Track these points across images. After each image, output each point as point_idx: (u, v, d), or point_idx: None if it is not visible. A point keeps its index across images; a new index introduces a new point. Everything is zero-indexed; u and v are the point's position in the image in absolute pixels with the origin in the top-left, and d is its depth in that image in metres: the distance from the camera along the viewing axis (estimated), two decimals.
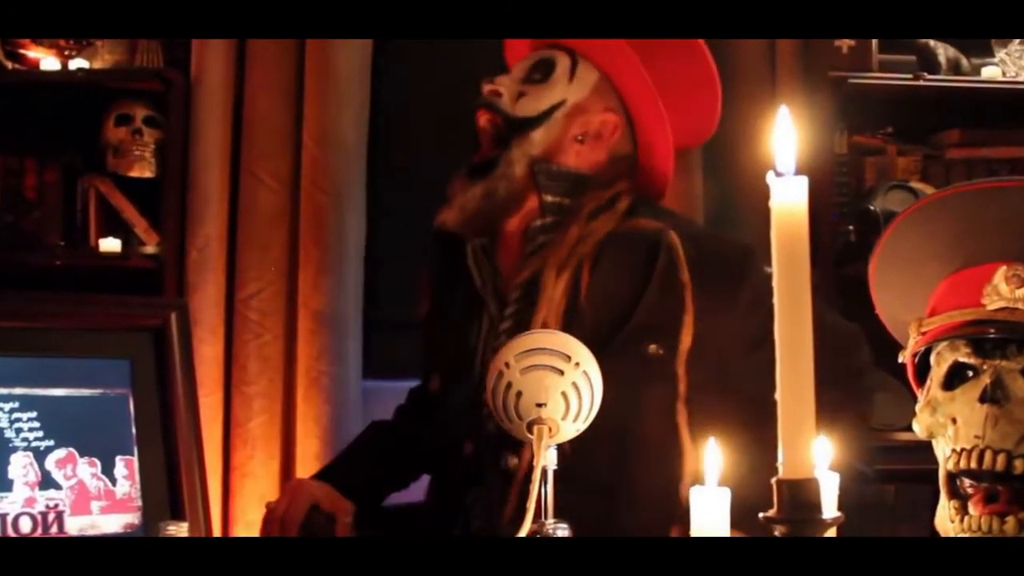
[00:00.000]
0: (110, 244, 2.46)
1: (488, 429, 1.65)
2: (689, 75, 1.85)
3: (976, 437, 1.16)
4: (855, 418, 1.64)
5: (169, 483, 1.74)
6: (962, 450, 1.17)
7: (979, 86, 2.48)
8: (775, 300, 0.77)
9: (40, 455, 1.65)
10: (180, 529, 1.28)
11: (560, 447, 1.24)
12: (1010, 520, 1.15)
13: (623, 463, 1.66)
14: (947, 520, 1.20)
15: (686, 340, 1.65)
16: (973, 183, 1.30)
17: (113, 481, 1.69)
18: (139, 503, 1.71)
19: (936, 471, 1.23)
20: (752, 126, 2.32)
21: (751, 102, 2.43)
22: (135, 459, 1.72)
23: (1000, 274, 1.20)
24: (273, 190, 2.51)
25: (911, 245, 1.28)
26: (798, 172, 0.76)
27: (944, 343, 1.23)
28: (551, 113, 1.79)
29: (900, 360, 1.30)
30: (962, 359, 1.21)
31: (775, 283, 0.77)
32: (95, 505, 1.67)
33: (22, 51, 2.53)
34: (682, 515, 1.60)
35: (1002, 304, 1.19)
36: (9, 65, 2.52)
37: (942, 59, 2.50)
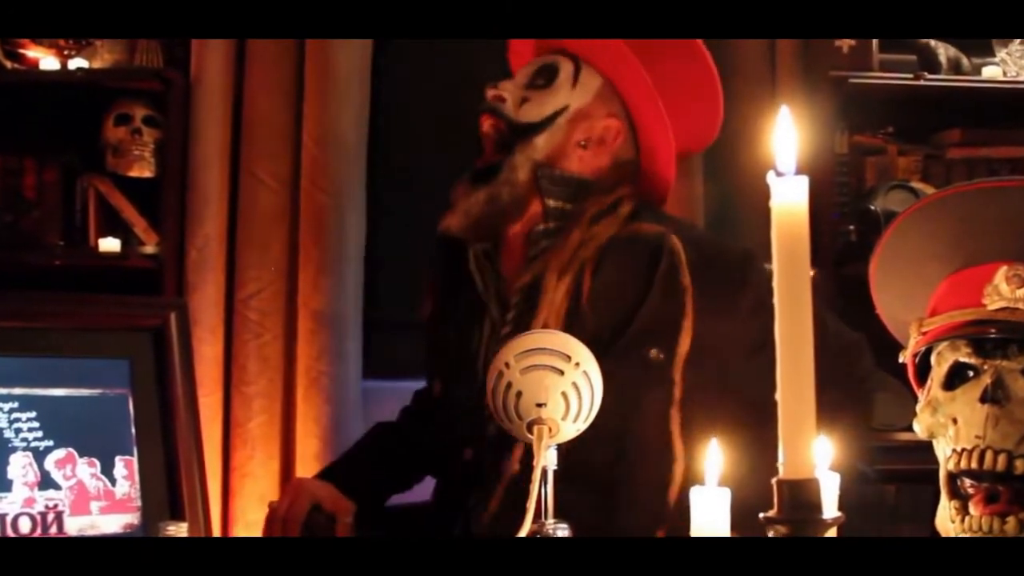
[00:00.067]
0: (109, 244, 2.46)
1: (489, 432, 1.65)
2: (690, 79, 1.85)
3: (977, 437, 1.16)
4: (856, 418, 1.64)
5: (169, 483, 1.74)
6: (963, 450, 1.17)
7: (980, 86, 2.48)
8: (775, 300, 0.77)
9: (39, 455, 1.64)
10: (180, 529, 1.28)
11: (558, 447, 1.24)
12: (1011, 520, 1.15)
13: (616, 466, 1.66)
14: (948, 520, 1.20)
15: (684, 345, 1.65)
16: (973, 183, 1.30)
17: (113, 481, 1.69)
18: (139, 503, 1.71)
19: (937, 471, 1.23)
20: (752, 126, 2.31)
21: (751, 102, 2.42)
22: (135, 459, 1.72)
23: (1001, 274, 1.20)
24: (273, 190, 2.51)
25: (912, 245, 1.28)
26: (798, 172, 0.76)
27: (945, 343, 1.23)
28: (554, 118, 1.79)
29: (901, 360, 1.30)
30: (963, 359, 1.21)
31: (775, 283, 0.77)
32: (94, 505, 1.67)
33: (21, 51, 2.52)
34: (669, 518, 1.61)
35: (1003, 304, 1.19)
36: (9, 65, 2.52)
37: (943, 59, 2.50)
